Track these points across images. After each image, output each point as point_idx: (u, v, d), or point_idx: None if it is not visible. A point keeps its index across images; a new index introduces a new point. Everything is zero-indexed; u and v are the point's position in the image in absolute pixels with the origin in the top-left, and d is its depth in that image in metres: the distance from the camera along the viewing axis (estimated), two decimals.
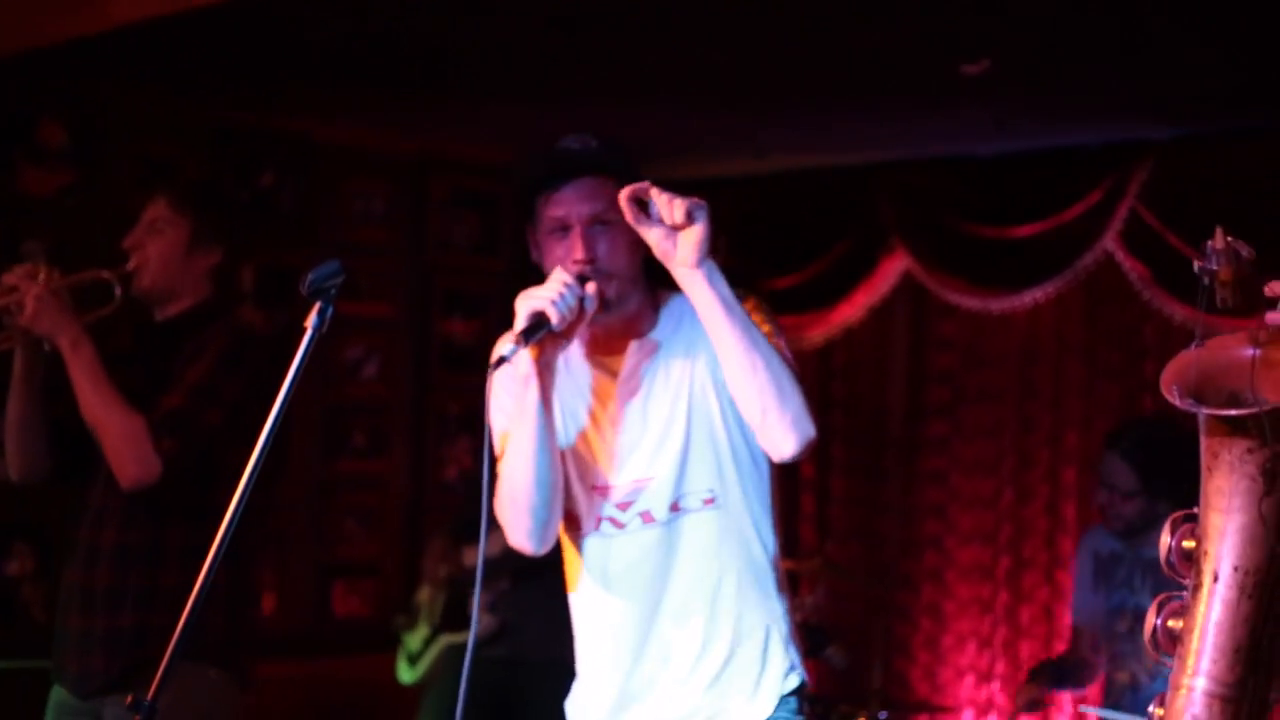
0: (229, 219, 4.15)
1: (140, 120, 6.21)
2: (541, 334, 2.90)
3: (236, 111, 6.38)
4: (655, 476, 3.05)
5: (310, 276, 2.67)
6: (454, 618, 5.76)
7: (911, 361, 7.18)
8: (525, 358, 2.92)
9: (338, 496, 6.81)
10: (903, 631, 6.96)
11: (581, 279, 2.96)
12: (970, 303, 6.58)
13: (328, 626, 6.80)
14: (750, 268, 7.28)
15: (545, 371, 2.99)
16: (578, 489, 3.09)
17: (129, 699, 2.61)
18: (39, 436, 3.96)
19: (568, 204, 3.03)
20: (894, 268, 6.81)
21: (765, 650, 3.07)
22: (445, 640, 5.76)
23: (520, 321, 2.89)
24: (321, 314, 2.66)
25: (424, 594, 5.97)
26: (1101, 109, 5.72)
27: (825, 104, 5.80)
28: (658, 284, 3.11)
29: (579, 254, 2.99)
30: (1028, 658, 6.46)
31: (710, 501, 3.05)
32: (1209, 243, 2.00)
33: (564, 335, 2.96)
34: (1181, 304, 5.90)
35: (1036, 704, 5.33)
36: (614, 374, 3.11)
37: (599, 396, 3.09)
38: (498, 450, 3.05)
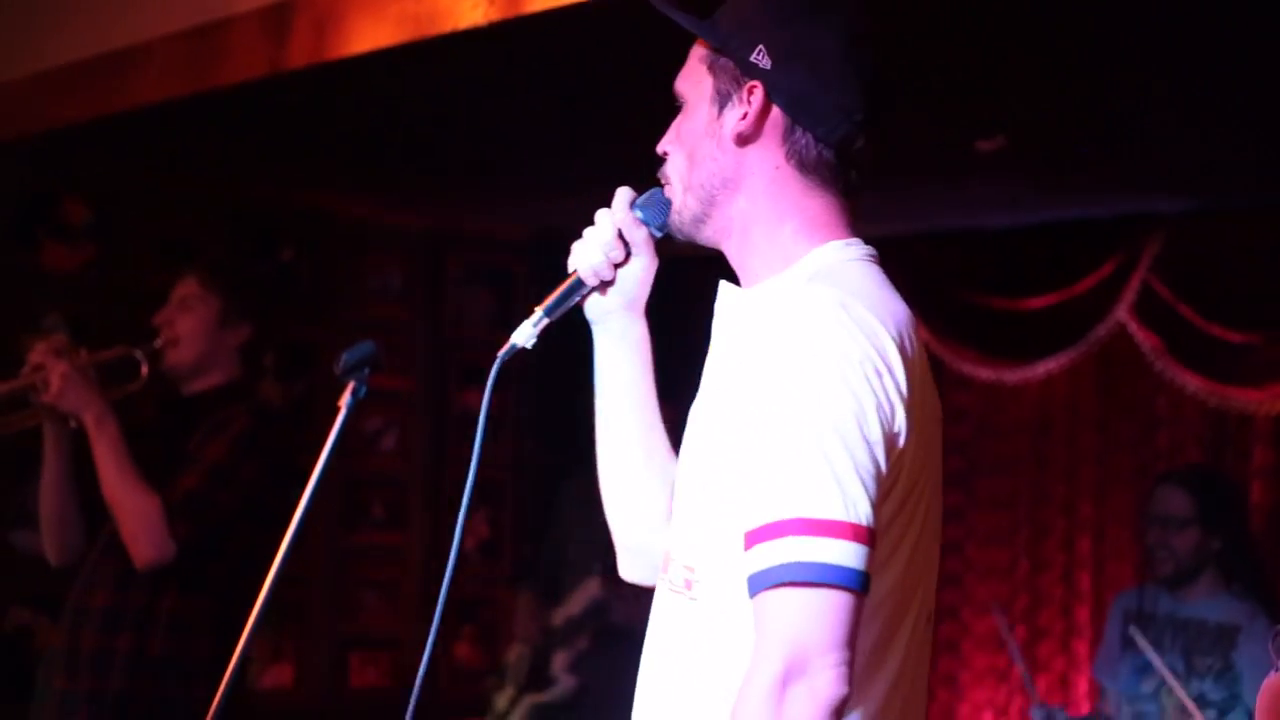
0: (257, 297, 4.20)
1: (160, 197, 6.28)
2: (575, 298, 2.18)
3: (255, 188, 6.44)
4: (686, 521, 2.09)
5: (345, 357, 2.67)
6: (537, 677, 5.67)
7: None
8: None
9: (356, 568, 6.83)
10: None
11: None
12: (984, 374, 6.61)
13: (345, 698, 6.80)
14: None
15: (604, 337, 2.20)
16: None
17: None
18: (75, 523, 3.98)
19: None
20: None
21: None
22: (529, 701, 5.65)
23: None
24: (355, 394, 2.68)
25: (513, 652, 5.90)
26: (1114, 183, 5.76)
27: None
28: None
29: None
30: None
31: (688, 585, 2.05)
32: None
33: (612, 283, 2.18)
34: (1194, 375, 5.93)
35: None
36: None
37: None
38: None
